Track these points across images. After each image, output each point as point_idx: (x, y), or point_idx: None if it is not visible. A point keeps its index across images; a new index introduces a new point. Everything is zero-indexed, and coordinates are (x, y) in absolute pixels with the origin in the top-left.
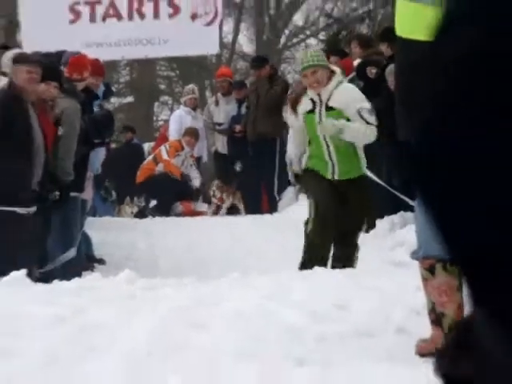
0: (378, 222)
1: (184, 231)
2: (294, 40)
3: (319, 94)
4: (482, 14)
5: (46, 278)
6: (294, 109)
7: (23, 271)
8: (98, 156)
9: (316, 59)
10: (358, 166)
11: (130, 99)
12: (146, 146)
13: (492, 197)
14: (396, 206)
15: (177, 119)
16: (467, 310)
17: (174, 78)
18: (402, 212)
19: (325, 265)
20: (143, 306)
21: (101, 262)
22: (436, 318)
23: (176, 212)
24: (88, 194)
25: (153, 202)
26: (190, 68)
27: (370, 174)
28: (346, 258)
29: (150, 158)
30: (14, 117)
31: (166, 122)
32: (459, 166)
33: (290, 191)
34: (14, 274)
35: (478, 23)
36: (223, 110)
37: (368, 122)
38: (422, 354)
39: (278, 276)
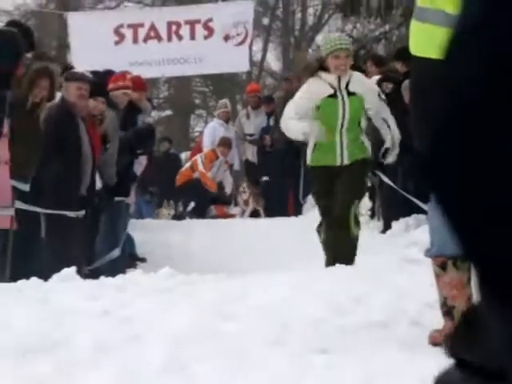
0: (394, 224)
1: (217, 232)
2: None
3: (339, 80)
4: (490, 33)
5: (93, 275)
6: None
7: (73, 268)
8: (140, 164)
9: (349, 45)
10: (362, 147)
11: (168, 113)
12: (183, 156)
13: (502, 196)
14: (410, 209)
15: (210, 131)
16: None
17: (208, 93)
18: (415, 214)
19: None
20: (180, 299)
21: (142, 260)
22: (447, 311)
23: (211, 215)
24: (131, 198)
25: (190, 206)
26: (223, 84)
27: (385, 179)
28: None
29: (188, 165)
30: (65, 130)
31: (201, 133)
32: (471, 174)
33: None
34: (64, 271)
35: (486, 42)
36: (253, 123)
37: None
38: (434, 343)
39: (302, 272)
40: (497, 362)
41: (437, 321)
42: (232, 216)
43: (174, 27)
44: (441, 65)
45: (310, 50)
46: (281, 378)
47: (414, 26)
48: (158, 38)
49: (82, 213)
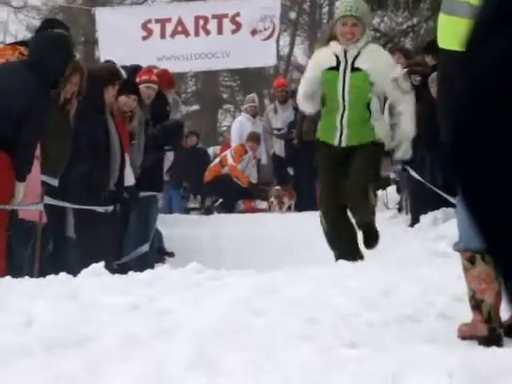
0: (422, 217)
1: (245, 227)
2: None
3: (346, 51)
4: (508, 24)
5: (122, 270)
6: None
7: (102, 263)
8: (168, 160)
9: (360, 12)
10: (370, 131)
11: (196, 107)
12: (211, 150)
13: None
14: (438, 203)
15: (238, 126)
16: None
17: (236, 87)
18: (443, 208)
19: (354, 253)
20: (209, 294)
21: (171, 254)
22: (476, 305)
23: (238, 209)
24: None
25: (218, 201)
26: (250, 78)
27: (413, 172)
28: (364, 222)
29: (217, 160)
30: (95, 127)
31: (229, 128)
32: (493, 165)
33: None
34: (93, 266)
35: (504, 33)
36: (281, 117)
37: (405, 91)
38: (463, 337)
39: (331, 266)
40: None
41: (465, 314)
42: (260, 210)
43: (201, 22)
44: (461, 55)
45: None
46: (310, 373)
47: (442, 18)
48: (186, 32)
49: (111, 208)
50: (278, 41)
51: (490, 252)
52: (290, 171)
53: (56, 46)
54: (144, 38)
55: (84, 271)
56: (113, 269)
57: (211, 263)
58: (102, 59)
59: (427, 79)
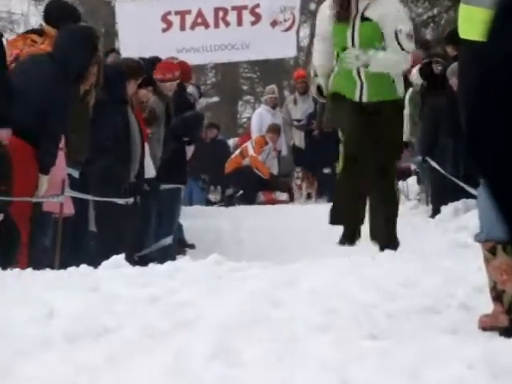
0: (443, 208)
1: (265, 218)
2: None
3: (357, 2)
4: None
5: (143, 262)
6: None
7: (122, 255)
8: (188, 151)
9: None
10: (391, 87)
11: (215, 99)
12: (231, 142)
13: None
14: (459, 194)
15: (258, 117)
16: None
17: (256, 79)
18: (464, 199)
19: (357, 223)
20: (229, 286)
21: (191, 246)
22: (497, 295)
23: (259, 201)
24: None
25: (238, 193)
26: (270, 70)
27: (434, 164)
28: (385, 210)
29: (237, 152)
30: (116, 118)
31: (249, 119)
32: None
33: None
34: (113, 258)
35: None
36: (300, 108)
37: (403, 48)
38: (484, 327)
39: (351, 257)
40: None
41: (486, 305)
42: (280, 202)
43: (221, 13)
44: (481, 43)
45: None
46: (330, 364)
47: (463, 9)
48: (206, 24)
49: (131, 200)
50: (297, 32)
51: None
52: (326, 170)
53: (81, 40)
54: (164, 30)
55: (104, 263)
56: (133, 261)
57: (231, 255)
58: (122, 51)
59: (445, 70)
